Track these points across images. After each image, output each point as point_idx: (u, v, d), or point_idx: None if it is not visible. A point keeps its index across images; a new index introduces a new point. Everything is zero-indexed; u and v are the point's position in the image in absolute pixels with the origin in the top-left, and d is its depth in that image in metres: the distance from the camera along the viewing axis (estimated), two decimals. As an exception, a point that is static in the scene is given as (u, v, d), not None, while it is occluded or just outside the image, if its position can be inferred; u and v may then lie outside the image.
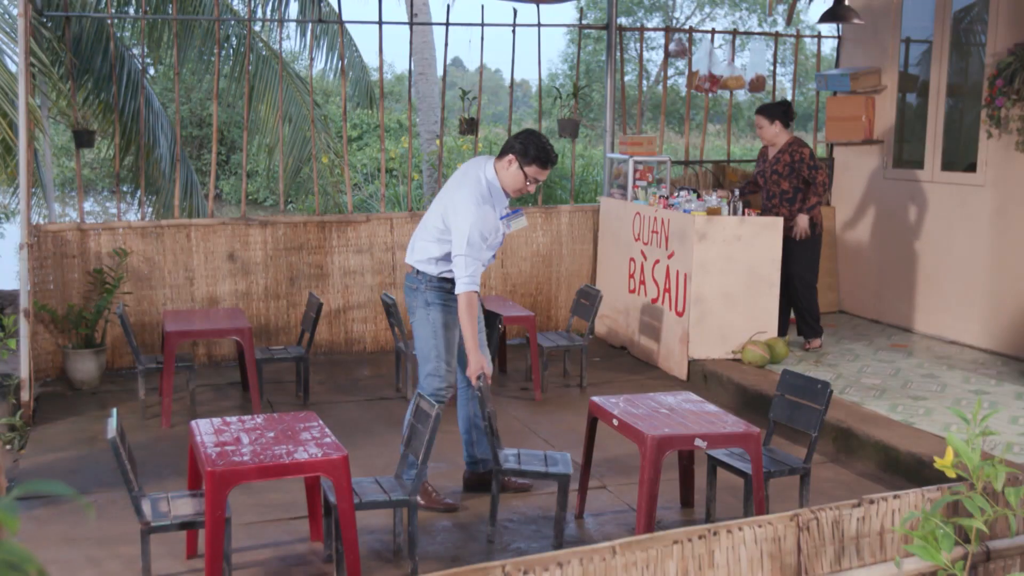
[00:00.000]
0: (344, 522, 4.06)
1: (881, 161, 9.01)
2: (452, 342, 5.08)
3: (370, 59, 13.86)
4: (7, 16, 8.60)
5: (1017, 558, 2.77)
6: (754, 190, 8.03)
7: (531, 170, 4.96)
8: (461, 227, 4.84)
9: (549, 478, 4.75)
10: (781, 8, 11.88)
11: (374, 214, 8.53)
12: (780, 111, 7.69)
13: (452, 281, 4.98)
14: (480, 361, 4.86)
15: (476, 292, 4.87)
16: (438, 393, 5.00)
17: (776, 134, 7.68)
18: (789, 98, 10.40)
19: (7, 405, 6.35)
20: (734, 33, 10.10)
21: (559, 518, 4.67)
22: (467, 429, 5.33)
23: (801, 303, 7.79)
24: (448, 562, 4.54)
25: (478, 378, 4.85)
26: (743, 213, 7.59)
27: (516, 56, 12.08)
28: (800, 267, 7.71)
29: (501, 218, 5.05)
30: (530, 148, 4.95)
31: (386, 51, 33.87)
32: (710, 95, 9.70)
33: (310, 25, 10.02)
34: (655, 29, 13.03)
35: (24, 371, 6.43)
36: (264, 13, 11.33)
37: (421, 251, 5.07)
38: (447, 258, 4.98)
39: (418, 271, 5.08)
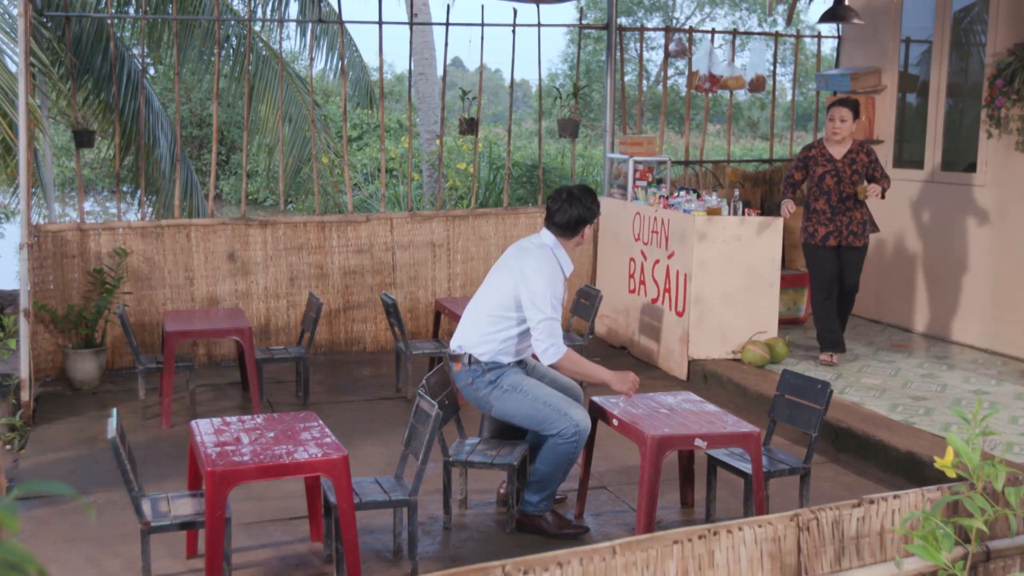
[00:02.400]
0: (344, 522, 4.07)
1: (881, 161, 9.01)
2: (548, 391, 4.74)
3: (370, 59, 13.87)
4: (7, 16, 8.60)
5: (1017, 558, 2.77)
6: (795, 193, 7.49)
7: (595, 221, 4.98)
8: (539, 291, 4.64)
9: (496, 467, 4.80)
10: (781, 8, 11.89)
11: (374, 214, 8.53)
12: (858, 109, 7.26)
13: (503, 365, 4.79)
14: (621, 378, 4.83)
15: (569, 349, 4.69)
16: (574, 444, 4.67)
17: (853, 132, 7.24)
18: (789, 98, 10.40)
19: (7, 405, 6.35)
20: (734, 33, 10.10)
21: (509, 504, 4.81)
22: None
23: (846, 313, 7.48)
24: (448, 562, 4.54)
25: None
26: (743, 213, 7.59)
27: (516, 56, 12.08)
28: (857, 275, 7.36)
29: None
30: (588, 207, 4.87)
31: (386, 51, 33.88)
32: (710, 95, 9.70)
33: (310, 25, 10.02)
34: (655, 29, 13.03)
35: (24, 371, 6.43)
36: (264, 13, 11.33)
37: (473, 330, 4.80)
38: (502, 338, 4.76)
39: (470, 360, 4.78)
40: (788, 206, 7.33)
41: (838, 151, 7.21)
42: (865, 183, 7.12)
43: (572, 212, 4.85)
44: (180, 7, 9.96)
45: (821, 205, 7.21)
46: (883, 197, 7.21)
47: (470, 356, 4.80)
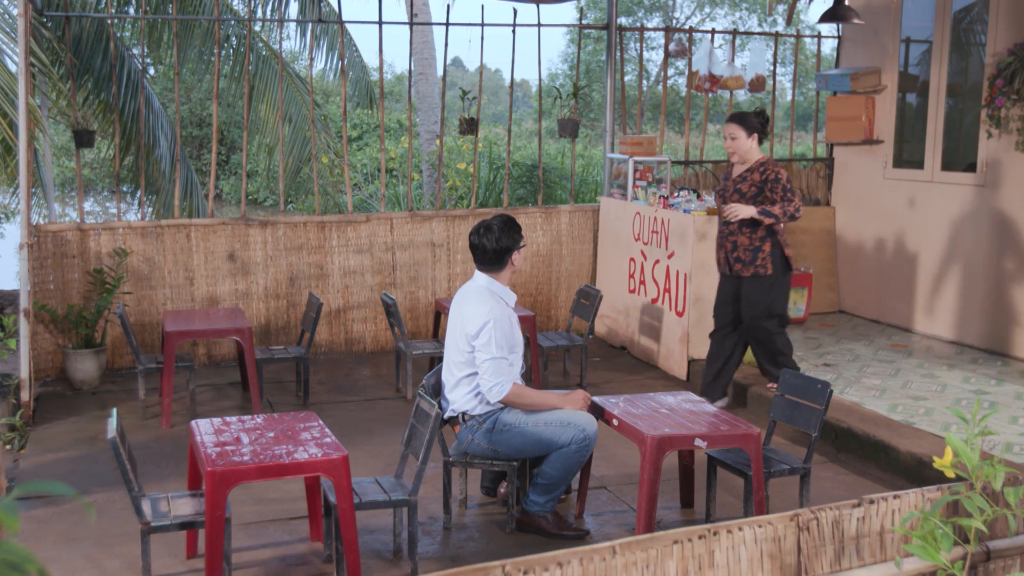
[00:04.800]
0: (344, 522, 4.07)
1: (881, 161, 9.01)
2: (542, 412, 4.75)
3: (370, 59, 13.87)
4: (7, 16, 8.59)
5: (1017, 558, 2.77)
6: None
7: (524, 245, 4.93)
8: (481, 334, 4.63)
9: (496, 466, 4.80)
10: (781, 8, 11.88)
11: (374, 214, 8.53)
12: (759, 123, 6.45)
13: (497, 411, 4.76)
14: (571, 400, 4.77)
15: (516, 383, 4.69)
16: (585, 448, 4.71)
17: (749, 149, 6.43)
18: (789, 98, 10.39)
19: (7, 405, 6.35)
20: (734, 33, 10.09)
21: (509, 504, 4.82)
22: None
23: (765, 345, 6.55)
24: (448, 562, 4.54)
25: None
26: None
27: (516, 56, 12.08)
28: (757, 310, 6.44)
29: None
30: (512, 236, 4.81)
31: (386, 51, 33.89)
32: (710, 95, 9.70)
33: (310, 25, 10.02)
34: (655, 29, 13.03)
35: (24, 371, 6.43)
36: (264, 13, 11.32)
37: (456, 392, 4.79)
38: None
39: (464, 418, 4.79)
40: (717, 258, 6.78)
41: (737, 170, 6.54)
42: (724, 206, 6.42)
43: (492, 246, 4.78)
44: (180, 7, 9.96)
45: (717, 227, 6.69)
46: (765, 219, 6.24)
47: (463, 415, 4.80)
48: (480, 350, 4.64)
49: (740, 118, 6.45)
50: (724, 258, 6.56)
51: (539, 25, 8.91)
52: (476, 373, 4.72)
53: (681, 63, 21.43)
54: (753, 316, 6.45)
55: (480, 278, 4.86)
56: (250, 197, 22.22)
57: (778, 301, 6.49)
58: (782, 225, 6.39)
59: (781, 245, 6.41)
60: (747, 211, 6.30)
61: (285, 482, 5.20)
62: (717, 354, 6.67)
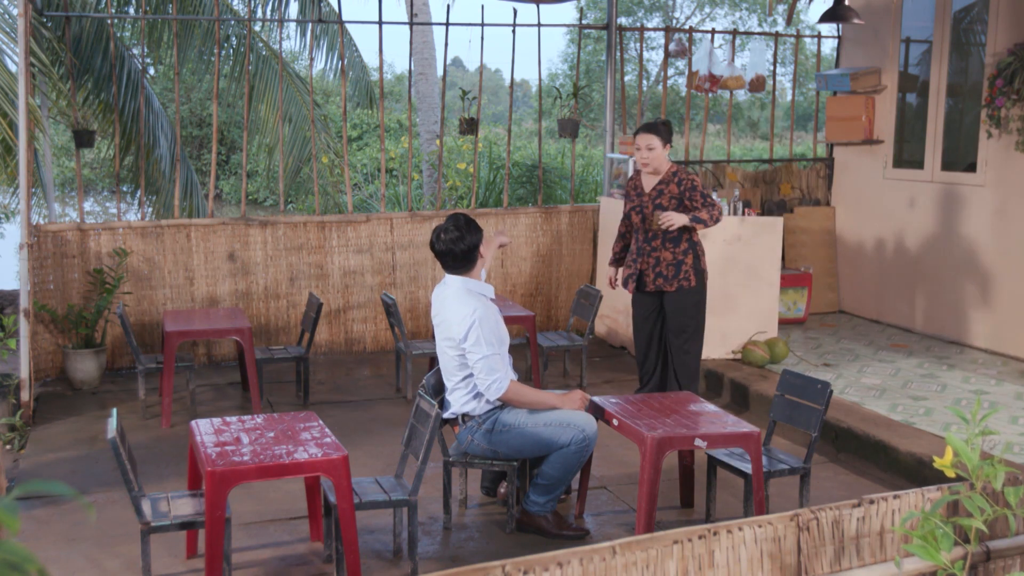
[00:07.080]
0: (344, 522, 4.07)
1: (881, 161, 9.01)
2: (541, 412, 4.72)
3: (370, 59, 13.87)
4: (7, 16, 8.59)
5: (1017, 558, 2.76)
6: (624, 253, 6.59)
7: (487, 242, 4.91)
8: (468, 334, 4.61)
9: (496, 466, 4.80)
10: (781, 8, 11.88)
11: (374, 214, 8.53)
12: (669, 132, 6.20)
13: (496, 410, 4.76)
14: (569, 399, 4.75)
15: (514, 379, 4.68)
16: (585, 448, 4.68)
17: (663, 161, 6.20)
18: (789, 98, 10.39)
19: (7, 405, 6.35)
20: (734, 33, 10.09)
21: (509, 504, 4.82)
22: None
23: (686, 367, 6.28)
24: (448, 562, 4.54)
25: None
26: (743, 213, 7.59)
27: (516, 56, 12.08)
28: (678, 322, 6.24)
29: None
30: (473, 234, 4.76)
31: (386, 51, 33.89)
32: (710, 95, 9.70)
33: (310, 25, 10.02)
34: (655, 29, 13.04)
35: (24, 371, 6.43)
36: (264, 13, 11.32)
37: (454, 395, 4.79)
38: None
39: (464, 419, 4.78)
40: (609, 276, 6.67)
41: (649, 182, 6.27)
42: (659, 213, 6.12)
43: (462, 247, 4.73)
44: (180, 7, 9.96)
45: (633, 244, 6.36)
46: (696, 226, 6.08)
47: (463, 416, 4.79)
48: (471, 352, 4.63)
49: (655, 128, 6.16)
50: (639, 275, 6.28)
51: (539, 25, 8.91)
52: (471, 375, 4.71)
53: (681, 63, 21.42)
54: (680, 333, 6.22)
55: (453, 280, 4.81)
56: (250, 197, 22.22)
57: (702, 315, 6.28)
58: (697, 236, 6.24)
59: (700, 256, 6.22)
60: (681, 219, 6.05)
61: (285, 482, 5.20)
62: (642, 376, 6.50)
